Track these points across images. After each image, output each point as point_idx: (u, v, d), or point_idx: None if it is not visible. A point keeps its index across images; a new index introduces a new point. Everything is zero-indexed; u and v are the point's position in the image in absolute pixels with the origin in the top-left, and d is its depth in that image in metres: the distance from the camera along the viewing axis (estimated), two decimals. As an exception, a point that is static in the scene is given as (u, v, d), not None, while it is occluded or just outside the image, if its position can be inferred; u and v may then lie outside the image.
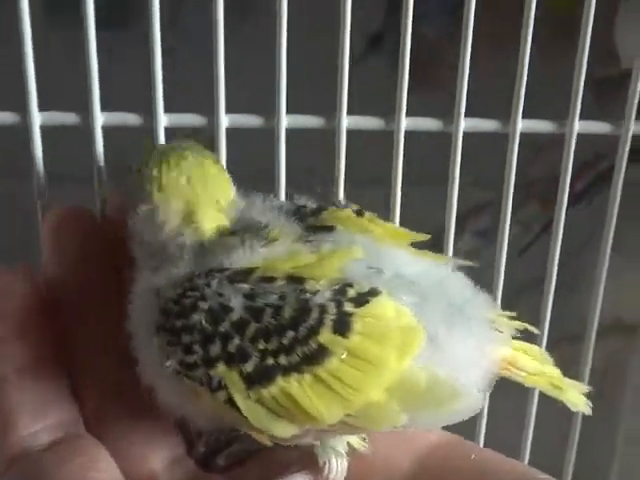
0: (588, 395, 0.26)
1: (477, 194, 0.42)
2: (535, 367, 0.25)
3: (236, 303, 0.22)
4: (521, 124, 0.30)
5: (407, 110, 0.30)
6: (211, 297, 0.22)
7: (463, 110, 0.30)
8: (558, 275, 0.34)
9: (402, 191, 0.31)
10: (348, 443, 0.24)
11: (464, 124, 0.30)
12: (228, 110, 0.30)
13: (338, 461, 0.24)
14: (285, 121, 0.30)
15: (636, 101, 0.30)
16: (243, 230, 0.24)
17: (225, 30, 0.29)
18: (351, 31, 0.29)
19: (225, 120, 0.30)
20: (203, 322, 0.22)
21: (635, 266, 0.41)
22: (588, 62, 0.30)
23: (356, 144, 0.31)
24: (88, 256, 0.27)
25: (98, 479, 0.24)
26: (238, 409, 0.22)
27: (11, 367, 0.25)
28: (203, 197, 0.24)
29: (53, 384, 0.26)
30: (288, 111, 0.30)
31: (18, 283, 0.26)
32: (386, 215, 0.32)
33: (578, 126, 0.31)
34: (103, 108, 0.30)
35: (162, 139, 0.30)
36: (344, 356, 0.22)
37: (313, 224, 0.25)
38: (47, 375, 0.26)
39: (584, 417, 0.37)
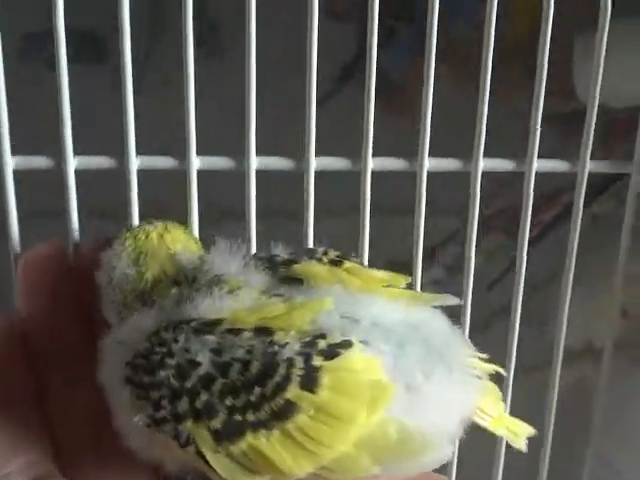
0: (561, 416, 0.26)
1: (446, 223, 0.43)
2: (498, 411, 0.25)
3: (203, 358, 0.22)
4: (482, 163, 0.31)
5: (379, 140, 0.30)
6: (178, 353, 0.23)
7: (427, 151, 0.31)
8: (530, 304, 0.35)
9: (373, 220, 0.32)
10: None
11: (428, 164, 0.31)
12: (199, 152, 0.31)
13: None
14: (255, 163, 0.31)
15: (591, 141, 0.31)
16: (208, 280, 0.24)
17: (196, 73, 0.30)
18: (322, 65, 0.30)
19: (196, 162, 0.31)
20: (171, 378, 0.22)
21: (602, 291, 0.42)
22: (552, 96, 0.31)
23: (324, 176, 0.32)
24: (61, 297, 0.27)
25: None
26: (207, 462, 0.23)
27: None
28: (158, 246, 0.25)
29: (26, 426, 0.26)
30: (260, 152, 0.31)
31: None
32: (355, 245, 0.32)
33: (537, 164, 0.32)
34: (76, 150, 0.31)
35: (134, 182, 0.31)
36: (312, 412, 0.22)
37: (284, 276, 0.25)
38: (20, 417, 0.26)
39: (555, 436, 0.38)
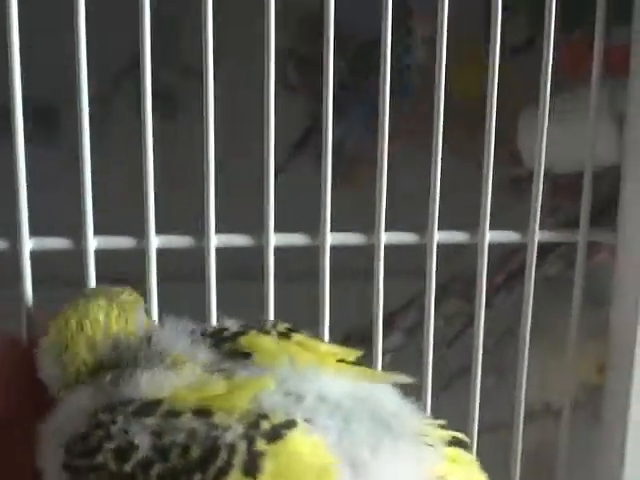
0: (526, 474, 0.26)
1: (404, 288, 0.44)
2: (465, 477, 0.25)
3: (142, 441, 0.22)
4: (437, 236, 0.32)
5: (334, 209, 0.31)
6: (117, 436, 0.22)
7: (383, 225, 0.32)
8: (488, 362, 0.36)
9: (333, 286, 0.32)
10: None
11: (385, 238, 0.32)
12: (159, 231, 0.31)
13: None
14: (215, 241, 0.31)
15: (538, 214, 0.33)
16: (150, 358, 0.24)
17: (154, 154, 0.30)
18: (276, 139, 0.31)
19: (155, 241, 0.31)
20: (108, 462, 0.22)
21: (559, 353, 0.43)
22: (500, 163, 0.32)
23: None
24: (16, 385, 0.27)
25: None
26: None
27: None
28: (76, 338, 0.25)
29: None
30: (219, 229, 0.31)
31: None
32: (315, 310, 0.32)
33: (489, 236, 0.33)
34: (31, 227, 0.30)
35: (92, 262, 0.31)
36: None
37: (229, 350, 0.25)
38: None
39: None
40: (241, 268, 0.35)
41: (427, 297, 0.33)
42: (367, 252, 0.33)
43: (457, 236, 0.33)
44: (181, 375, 0.23)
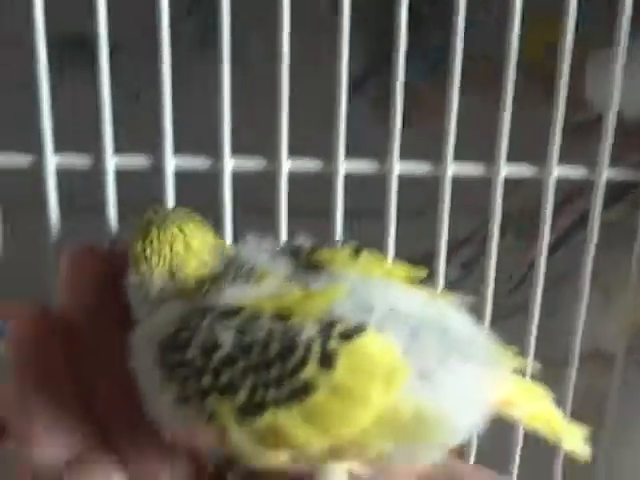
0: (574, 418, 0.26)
1: (462, 223, 0.44)
2: (535, 408, 0.26)
3: (226, 338, 0.24)
4: (504, 169, 0.33)
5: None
6: (203, 333, 0.24)
7: (451, 156, 0.32)
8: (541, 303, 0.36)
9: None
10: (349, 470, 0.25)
11: (453, 167, 0.32)
12: (233, 151, 0.32)
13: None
14: (288, 164, 0.32)
15: (608, 149, 0.33)
16: (234, 272, 0.25)
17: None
18: (329, 79, 0.31)
19: (230, 163, 0.32)
20: (196, 357, 0.24)
21: (611, 297, 0.43)
22: (567, 108, 0.32)
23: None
24: (103, 292, 0.28)
25: None
26: (230, 439, 0.24)
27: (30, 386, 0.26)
28: (186, 259, 0.26)
29: (69, 407, 0.27)
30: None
31: (32, 322, 0.27)
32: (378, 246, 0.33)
33: (556, 171, 0.33)
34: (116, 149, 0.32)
35: (170, 183, 0.32)
36: (328, 391, 0.23)
37: (305, 263, 0.26)
38: (63, 398, 0.27)
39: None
40: (306, 199, 0.36)
41: (490, 232, 0.33)
42: (419, 188, 0.33)
43: (524, 170, 0.33)
44: (263, 287, 0.25)
